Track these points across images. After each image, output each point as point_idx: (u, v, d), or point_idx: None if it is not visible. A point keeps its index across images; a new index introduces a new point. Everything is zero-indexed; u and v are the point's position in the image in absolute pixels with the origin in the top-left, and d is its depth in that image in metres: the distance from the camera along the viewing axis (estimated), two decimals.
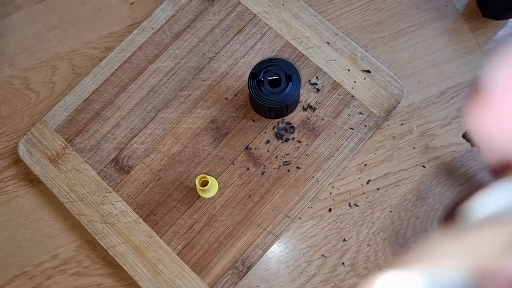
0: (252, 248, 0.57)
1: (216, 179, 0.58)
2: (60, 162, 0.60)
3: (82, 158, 0.60)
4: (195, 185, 0.56)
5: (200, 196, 0.58)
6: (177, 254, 0.57)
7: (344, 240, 0.60)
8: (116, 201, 0.58)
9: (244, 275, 0.56)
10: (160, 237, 0.57)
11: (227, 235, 0.57)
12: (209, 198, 0.58)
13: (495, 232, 0.12)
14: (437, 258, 0.12)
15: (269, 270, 0.59)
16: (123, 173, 0.59)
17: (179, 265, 0.56)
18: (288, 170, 0.59)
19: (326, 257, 0.60)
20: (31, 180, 0.63)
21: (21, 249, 0.61)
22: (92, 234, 0.57)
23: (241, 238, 0.57)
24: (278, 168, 0.59)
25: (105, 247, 0.57)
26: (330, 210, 0.61)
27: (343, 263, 0.60)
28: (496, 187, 0.13)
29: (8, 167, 0.64)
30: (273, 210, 0.58)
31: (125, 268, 0.56)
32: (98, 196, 0.59)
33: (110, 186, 0.59)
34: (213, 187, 0.56)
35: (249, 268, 0.56)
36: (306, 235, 0.60)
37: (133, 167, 0.59)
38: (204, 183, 0.53)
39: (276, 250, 0.60)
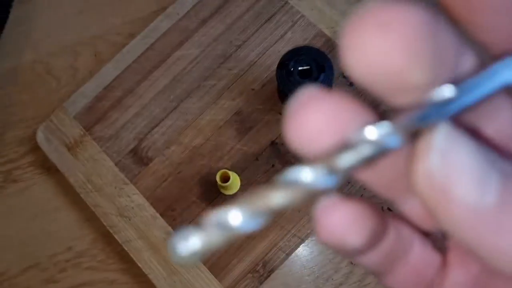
0: (274, 251, 0.53)
1: (238, 175, 0.55)
2: (78, 150, 0.58)
3: (100, 147, 0.58)
4: (216, 180, 0.53)
5: (221, 192, 0.54)
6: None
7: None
8: (133, 194, 0.56)
9: (265, 279, 0.53)
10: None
11: (248, 236, 0.54)
12: (231, 195, 0.54)
13: None
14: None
15: (292, 275, 0.55)
16: (142, 164, 0.57)
17: (196, 265, 0.53)
18: None
19: (354, 265, 0.55)
20: (48, 168, 0.62)
21: (35, 240, 0.59)
22: (108, 227, 0.55)
23: (263, 240, 0.53)
24: None
25: (120, 242, 0.55)
26: None
27: None
28: None
29: (26, 154, 0.62)
30: (299, 211, 0.54)
31: (139, 264, 0.54)
32: (115, 188, 0.56)
33: (128, 178, 0.56)
34: (234, 184, 0.53)
35: (271, 272, 0.53)
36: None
37: (152, 159, 0.57)
38: (225, 179, 0.50)
39: (301, 254, 0.56)
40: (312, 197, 0.12)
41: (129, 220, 0.56)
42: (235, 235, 0.12)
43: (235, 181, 0.53)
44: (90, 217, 0.60)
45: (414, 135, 0.11)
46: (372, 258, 0.15)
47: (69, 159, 0.59)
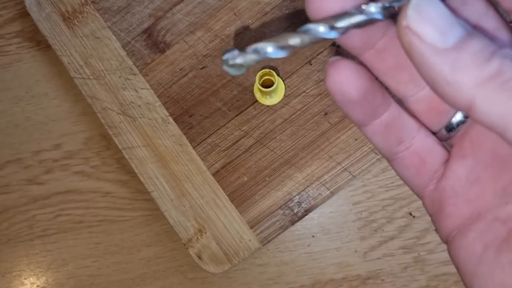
0: (316, 186, 0.41)
1: (283, 81, 0.41)
2: (76, 23, 0.44)
3: (105, 22, 0.44)
4: (252, 84, 0.39)
5: (257, 100, 0.41)
6: (213, 175, 0.42)
7: None
8: (142, 88, 0.43)
9: (298, 219, 0.41)
10: (194, 148, 0.42)
11: (284, 162, 0.41)
12: (269, 106, 0.41)
13: None
14: None
15: (332, 218, 0.43)
16: (157, 51, 0.43)
17: (213, 190, 0.41)
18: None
19: (414, 217, 0.43)
20: (39, 42, 0.49)
21: (18, 130, 0.48)
22: (106, 127, 0.43)
23: (303, 170, 0.41)
24: None
25: (120, 147, 0.42)
26: None
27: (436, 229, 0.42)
28: None
29: (12, 21, 0.49)
30: (356, 139, 0.40)
31: (142, 178, 0.42)
32: (120, 77, 0.43)
33: (137, 67, 0.43)
34: (278, 91, 0.39)
35: (308, 211, 0.41)
36: (392, 183, 0.43)
37: (171, 45, 0.43)
38: (268, 83, 0.36)
39: (347, 194, 0.44)
40: (317, 42, 0.17)
41: (134, 121, 0.43)
42: (267, 58, 0.17)
43: (279, 88, 0.39)
44: (85, 111, 0.48)
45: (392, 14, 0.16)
46: (375, 128, 0.19)
47: (63, 33, 0.45)
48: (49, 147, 0.49)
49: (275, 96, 0.41)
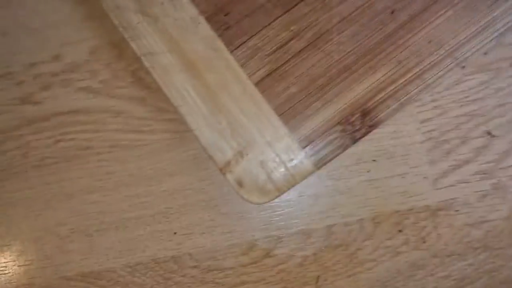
0: (382, 97, 0.34)
1: None
2: None
3: None
4: None
5: None
6: (255, 84, 0.34)
7: None
8: None
9: (361, 136, 0.34)
10: (231, 52, 0.34)
11: (343, 68, 0.34)
12: (324, 2, 0.34)
13: None
14: None
15: (397, 139, 0.37)
16: None
17: (256, 102, 0.34)
18: None
19: (493, 136, 0.37)
20: None
21: (8, 38, 0.40)
22: (120, 30, 0.35)
23: (366, 78, 0.34)
24: None
25: (138, 54, 0.34)
26: None
27: None
28: None
29: None
30: (429, 41, 0.34)
31: (166, 91, 0.34)
32: None
33: None
34: None
35: (372, 127, 0.34)
36: (467, 96, 0.37)
37: None
38: None
39: (413, 110, 0.37)
40: None
41: (156, 22, 0.35)
42: None
43: None
44: (91, 15, 0.40)
45: None
46: None
47: None
48: (46, 58, 0.40)
49: None
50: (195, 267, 0.39)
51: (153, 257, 0.39)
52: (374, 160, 0.38)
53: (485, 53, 0.38)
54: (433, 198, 0.38)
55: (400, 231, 0.38)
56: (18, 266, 0.40)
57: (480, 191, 0.38)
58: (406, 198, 0.38)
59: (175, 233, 0.39)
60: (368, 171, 0.38)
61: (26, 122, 0.40)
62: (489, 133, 0.38)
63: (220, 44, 0.37)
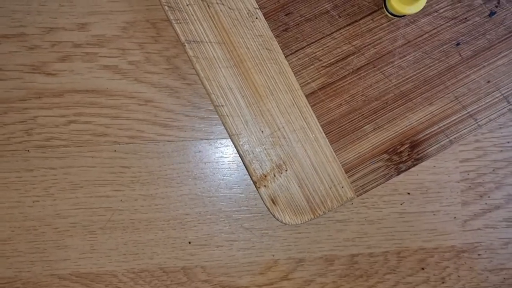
0: (433, 131, 0.32)
1: None
2: None
3: None
4: None
5: (378, 10, 0.31)
6: (307, 96, 0.31)
7: None
8: None
9: (406, 169, 0.32)
10: (286, 57, 0.31)
11: (400, 95, 0.32)
12: (393, 18, 0.31)
13: None
14: None
15: (435, 175, 0.36)
16: None
17: (305, 116, 0.31)
18: None
19: None
20: None
21: (31, 15, 0.33)
22: (165, 8, 0.30)
23: (421, 109, 0.32)
24: None
25: (181, 40, 0.30)
26: None
27: None
28: None
29: None
30: (488, 82, 0.32)
31: (208, 86, 0.31)
32: None
33: None
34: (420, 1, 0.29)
35: (418, 160, 0.32)
36: (508, 142, 0.36)
37: None
38: None
39: (456, 148, 0.36)
40: None
41: (208, 7, 0.32)
42: None
43: None
44: None
45: None
46: None
47: None
48: (69, 25, 0.35)
49: (419, 2, 0.32)
50: (206, 281, 0.35)
51: (161, 265, 0.35)
52: (408, 193, 0.37)
53: None
54: (459, 239, 0.37)
55: (422, 268, 0.36)
56: (6, 257, 0.34)
57: (505, 238, 0.37)
58: (434, 236, 0.36)
59: (189, 242, 0.35)
60: (401, 204, 0.37)
61: (34, 94, 0.34)
62: None
63: (276, 45, 0.33)
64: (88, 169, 0.35)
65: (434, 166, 0.37)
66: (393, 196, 0.37)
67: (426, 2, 0.33)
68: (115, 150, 0.35)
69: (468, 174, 0.37)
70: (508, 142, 0.37)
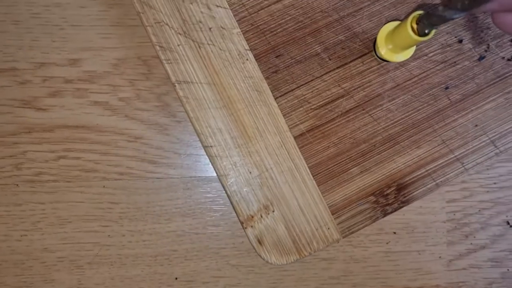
0: (420, 175, 0.32)
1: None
2: None
3: None
4: (364, 30, 0.30)
5: (367, 53, 0.32)
6: (295, 137, 0.32)
7: None
8: (217, 6, 0.31)
9: (392, 211, 0.32)
10: (276, 98, 0.31)
11: (388, 138, 0.32)
12: (381, 63, 0.32)
13: None
14: None
15: (421, 214, 0.36)
16: None
17: (293, 157, 0.31)
18: None
19: (511, 226, 0.36)
20: None
21: (19, 28, 0.34)
22: (156, 48, 0.31)
23: (408, 152, 0.32)
24: (509, 60, 0.33)
25: (172, 80, 0.30)
26: None
27: None
28: None
29: None
30: (476, 125, 0.33)
31: (197, 127, 0.31)
32: None
33: None
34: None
35: (404, 203, 0.33)
36: (495, 183, 0.36)
37: None
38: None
39: (443, 188, 0.36)
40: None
41: (199, 47, 0.32)
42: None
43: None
44: (122, 21, 0.35)
45: None
46: None
47: None
48: (61, 61, 0.35)
49: (407, 51, 0.32)
50: None
51: None
52: (394, 233, 0.37)
53: None
54: (444, 279, 0.37)
55: None
56: None
57: (489, 278, 0.38)
58: (419, 275, 0.37)
59: (176, 278, 0.35)
60: (387, 243, 0.37)
61: (25, 128, 0.35)
62: (508, 222, 0.37)
63: (265, 87, 0.33)
64: (77, 204, 0.35)
65: (421, 206, 0.37)
66: (379, 235, 0.37)
67: (416, 46, 0.34)
68: (104, 186, 0.35)
69: (454, 214, 0.37)
70: (494, 184, 0.37)
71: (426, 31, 0.28)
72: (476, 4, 0.22)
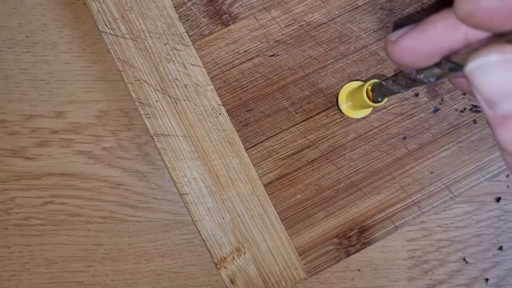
0: (380, 218, 0.35)
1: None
2: None
3: None
4: (328, 86, 0.33)
5: (330, 107, 0.34)
6: (265, 185, 0.34)
7: (501, 248, 0.39)
8: (193, 65, 0.34)
9: (355, 252, 0.35)
10: (246, 149, 0.34)
11: (350, 185, 0.35)
12: (344, 116, 0.35)
13: None
14: None
15: (383, 253, 0.38)
16: (218, 22, 0.34)
17: (262, 204, 0.34)
18: (475, 121, 0.36)
19: (467, 262, 0.39)
20: None
21: (8, 83, 0.37)
22: (135, 103, 0.33)
23: (369, 197, 0.35)
24: (462, 111, 0.36)
25: (151, 132, 0.33)
26: (498, 200, 0.39)
27: (486, 280, 0.40)
28: None
29: None
30: (432, 172, 0.35)
31: (174, 176, 0.33)
32: (165, 44, 0.34)
33: (190, 36, 0.34)
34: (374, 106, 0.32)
35: (365, 244, 0.35)
36: (452, 223, 0.39)
37: (238, 19, 0.34)
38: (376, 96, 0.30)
39: (403, 228, 0.39)
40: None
41: (175, 103, 0.34)
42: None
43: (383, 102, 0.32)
44: (105, 76, 0.38)
45: None
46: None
47: None
48: (48, 113, 0.37)
49: (365, 110, 0.35)
50: None
51: None
52: (359, 270, 0.40)
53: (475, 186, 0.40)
54: None
55: None
56: None
57: None
58: None
59: None
60: (352, 279, 0.40)
61: (14, 176, 0.37)
62: (464, 259, 0.40)
63: (237, 139, 0.36)
64: (63, 246, 0.37)
65: (383, 245, 0.40)
66: (345, 273, 0.40)
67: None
68: (88, 229, 0.38)
69: (414, 252, 0.40)
70: (451, 223, 0.40)
71: (379, 99, 0.31)
72: (418, 84, 0.25)
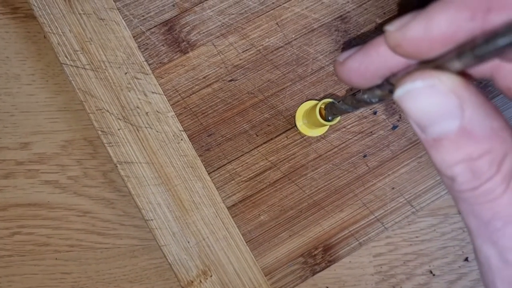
0: (344, 235, 0.36)
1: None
2: None
3: (114, 1, 0.34)
4: (287, 108, 0.33)
5: (290, 129, 0.35)
6: (228, 208, 0.35)
7: (467, 260, 0.40)
8: (153, 92, 0.34)
9: (320, 270, 0.36)
10: (209, 173, 0.35)
11: (313, 204, 0.35)
12: (304, 137, 0.35)
13: None
14: None
15: (350, 269, 0.39)
16: (177, 50, 0.35)
17: (227, 226, 0.34)
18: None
19: (434, 275, 0.40)
20: (15, 8, 0.37)
21: None
22: (98, 133, 0.34)
23: (332, 215, 0.36)
24: None
25: (114, 160, 0.33)
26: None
27: None
28: None
29: None
30: (393, 188, 0.36)
31: (138, 203, 0.34)
32: (126, 73, 0.34)
33: (149, 65, 0.35)
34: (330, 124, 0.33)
35: (332, 262, 0.36)
36: (417, 237, 0.39)
37: (196, 46, 0.35)
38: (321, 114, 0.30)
39: (369, 244, 0.39)
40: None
41: (137, 130, 0.35)
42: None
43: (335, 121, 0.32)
44: (68, 107, 0.38)
45: None
46: None
47: (57, 5, 0.35)
48: (12, 145, 0.38)
49: (320, 129, 0.36)
50: None
51: None
52: (327, 287, 0.40)
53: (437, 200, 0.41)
54: None
55: None
56: None
57: None
58: None
59: None
60: None
61: None
62: (431, 272, 0.41)
63: (199, 163, 0.37)
64: (31, 276, 0.38)
65: (350, 261, 0.40)
66: None
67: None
68: (56, 258, 0.38)
69: (381, 267, 0.40)
70: (416, 237, 0.41)
71: (330, 118, 0.32)
72: (363, 105, 0.25)
